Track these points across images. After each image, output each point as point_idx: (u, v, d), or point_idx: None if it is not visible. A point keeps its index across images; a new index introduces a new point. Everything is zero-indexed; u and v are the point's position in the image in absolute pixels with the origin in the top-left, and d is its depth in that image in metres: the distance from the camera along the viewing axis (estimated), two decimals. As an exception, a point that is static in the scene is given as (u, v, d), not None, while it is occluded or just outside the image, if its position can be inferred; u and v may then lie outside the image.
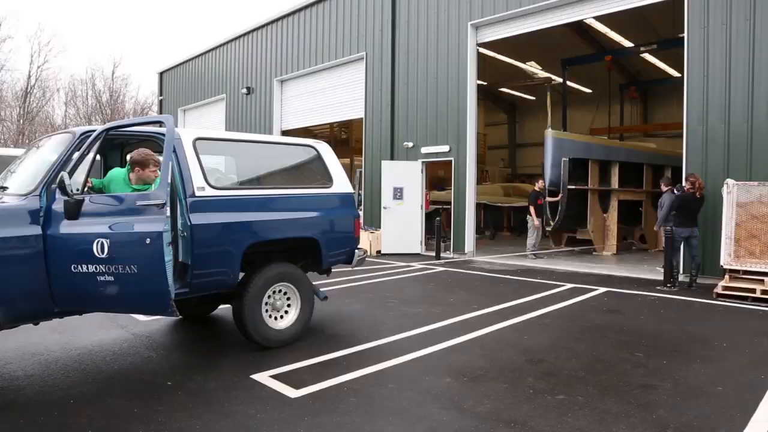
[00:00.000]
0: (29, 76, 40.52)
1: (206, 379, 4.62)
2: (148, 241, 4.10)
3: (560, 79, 18.74)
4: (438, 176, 18.99)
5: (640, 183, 15.65)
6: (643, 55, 18.61)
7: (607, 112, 21.47)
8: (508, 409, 4.02)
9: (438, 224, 13.10)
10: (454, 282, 9.98)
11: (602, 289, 9.00)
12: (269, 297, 5.47)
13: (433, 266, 11.94)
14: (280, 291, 5.57)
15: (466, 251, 13.72)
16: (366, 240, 14.18)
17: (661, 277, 9.49)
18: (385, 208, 14.22)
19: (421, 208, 14.50)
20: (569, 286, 9.35)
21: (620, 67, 21.31)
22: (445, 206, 15.93)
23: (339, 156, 23.92)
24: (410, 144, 14.82)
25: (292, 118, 19.98)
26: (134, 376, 4.71)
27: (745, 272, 8.25)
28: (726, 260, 8.54)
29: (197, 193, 4.91)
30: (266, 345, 5.38)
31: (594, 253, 14.30)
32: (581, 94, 23.27)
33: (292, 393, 4.30)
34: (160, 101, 28.89)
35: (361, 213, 16.05)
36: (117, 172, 5.04)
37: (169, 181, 4.39)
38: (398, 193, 14.24)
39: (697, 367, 5.01)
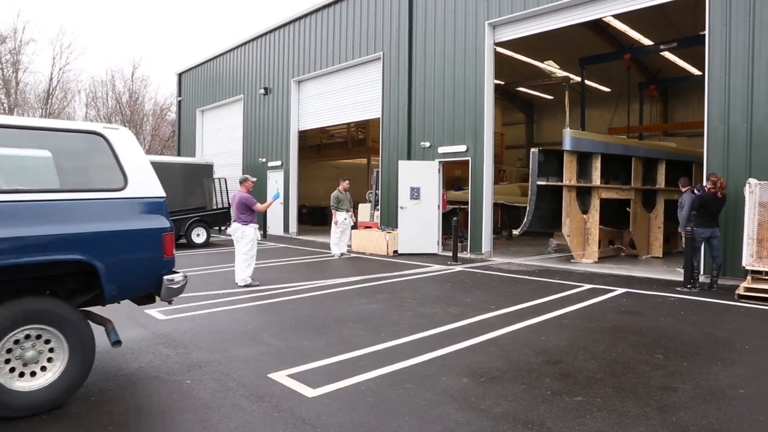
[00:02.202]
0: (51, 78, 41.17)
1: (224, 378, 4.67)
2: None
3: (578, 78, 18.59)
4: (455, 176, 18.93)
5: (627, 179, 13.51)
6: (663, 53, 18.39)
7: (626, 111, 21.25)
8: (525, 410, 4.00)
9: (455, 224, 13.06)
10: (471, 282, 9.95)
11: (621, 290, 8.91)
12: (15, 345, 3.88)
13: (450, 266, 11.91)
14: (36, 336, 3.96)
15: (483, 251, 13.66)
16: (383, 240, 14.20)
17: (681, 278, 9.37)
18: (402, 208, 14.22)
19: (438, 208, 14.47)
20: (587, 286, 9.27)
21: (639, 66, 21.07)
22: (462, 206, 15.88)
23: (356, 156, 24.10)
24: (427, 144, 14.80)
25: (309, 118, 20.08)
26: (153, 374, 4.77)
27: (768, 273, 8.12)
28: (748, 261, 8.41)
29: None
30: (4, 414, 3.80)
31: (572, 260, 12.54)
32: (600, 93, 23.07)
33: (309, 392, 4.33)
34: (179, 102, 29.20)
35: (378, 213, 16.08)
36: None
37: None
38: (415, 193, 14.23)
39: (718, 369, 4.94)
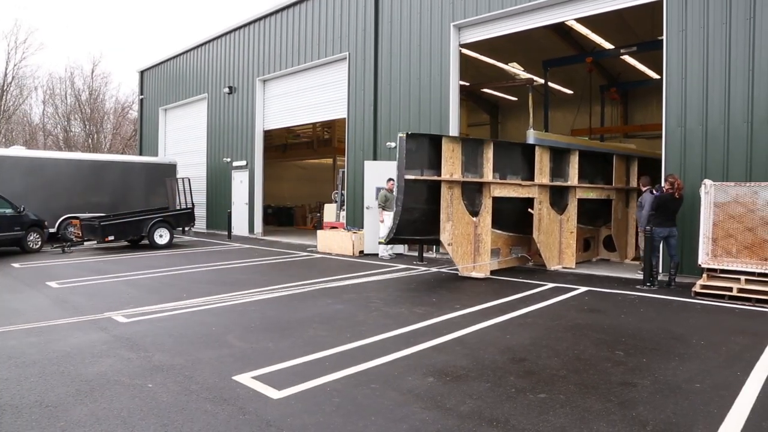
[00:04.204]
0: (5, 74, 39.83)
1: (188, 381, 4.58)
2: None
3: (542, 80, 18.89)
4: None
5: (530, 174, 11.26)
6: (623, 57, 18.83)
7: (588, 113, 21.69)
8: (490, 408, 4.04)
9: (421, 224, 13.06)
10: (437, 282, 10.00)
11: (583, 289, 9.08)
12: None
13: (415, 266, 11.96)
14: None
15: (448, 251, 13.75)
16: (349, 240, 14.16)
17: (641, 277, 9.61)
18: (367, 208, 14.20)
19: (404, 208, 14.46)
20: (550, 285, 9.42)
21: (601, 69, 21.52)
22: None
23: (322, 156, 24.11)
24: (393, 144, 14.81)
25: (275, 117, 19.91)
26: (114, 379, 4.65)
27: (723, 271, 8.39)
28: (704, 259, 8.67)
29: None
30: None
31: (460, 275, 10.36)
32: (563, 95, 23.48)
33: (274, 394, 4.28)
34: (141, 100, 28.60)
35: (344, 213, 16.07)
36: None
37: None
38: (381, 193, 14.22)
39: (676, 364, 5.09)
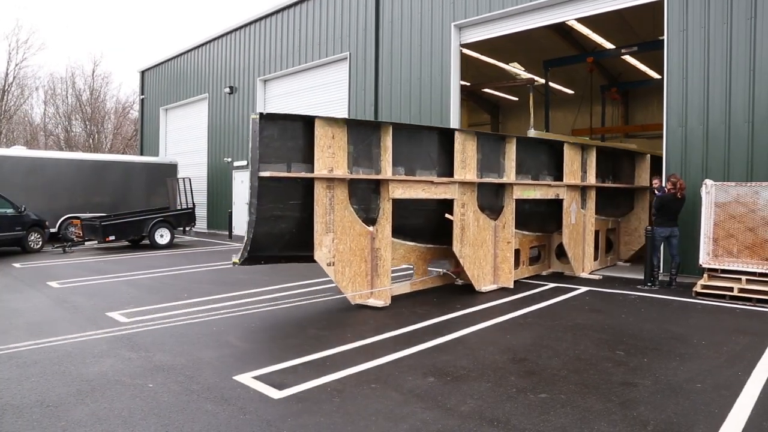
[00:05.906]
0: (7, 74, 39.84)
1: (189, 381, 4.58)
2: None
3: (543, 80, 18.88)
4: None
5: (449, 168, 8.64)
6: (624, 56, 18.82)
7: (589, 113, 21.68)
8: (491, 408, 4.04)
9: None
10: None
11: (584, 289, 9.08)
12: None
13: (416, 266, 11.94)
14: None
15: (449, 251, 13.72)
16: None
17: (642, 277, 9.60)
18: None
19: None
20: (551, 285, 9.41)
21: (602, 69, 21.51)
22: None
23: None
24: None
25: (276, 117, 19.88)
26: (115, 379, 4.65)
27: (723, 271, 8.39)
28: (705, 259, 8.67)
29: None
30: None
31: (356, 303, 7.69)
32: (563, 95, 23.46)
33: (275, 394, 4.28)
34: (142, 100, 28.61)
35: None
36: None
37: None
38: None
39: (677, 364, 5.08)
